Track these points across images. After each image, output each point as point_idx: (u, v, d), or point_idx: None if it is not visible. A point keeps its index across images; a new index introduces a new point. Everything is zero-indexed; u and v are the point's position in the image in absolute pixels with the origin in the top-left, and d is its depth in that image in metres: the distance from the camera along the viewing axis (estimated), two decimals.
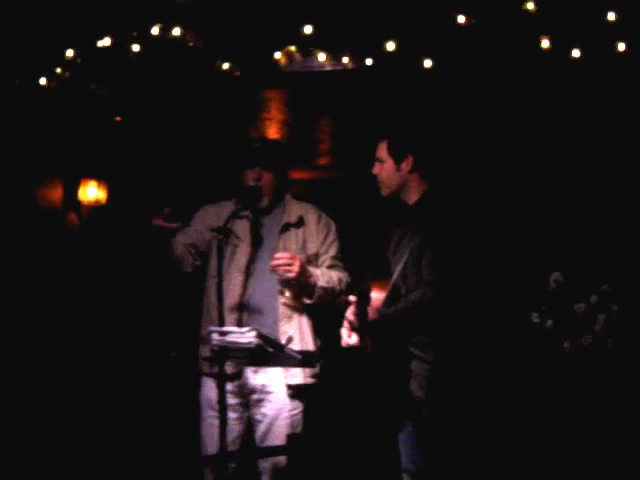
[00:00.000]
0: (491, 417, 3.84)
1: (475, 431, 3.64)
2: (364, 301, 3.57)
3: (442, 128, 4.89)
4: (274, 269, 3.95)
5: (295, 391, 4.05)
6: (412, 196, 3.77)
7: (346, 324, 3.72)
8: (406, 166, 3.74)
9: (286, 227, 4.14)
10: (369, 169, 3.91)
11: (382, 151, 3.80)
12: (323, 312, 4.09)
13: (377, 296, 3.70)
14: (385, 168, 3.79)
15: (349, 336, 3.73)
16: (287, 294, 4.02)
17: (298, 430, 4.06)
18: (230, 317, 3.97)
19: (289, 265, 3.91)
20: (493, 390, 3.79)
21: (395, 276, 3.68)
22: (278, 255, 3.96)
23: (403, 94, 5.34)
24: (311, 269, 4.03)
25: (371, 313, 3.59)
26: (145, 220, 3.98)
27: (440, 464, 3.60)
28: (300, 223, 4.16)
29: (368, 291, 3.61)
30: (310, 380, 4.06)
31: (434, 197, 3.75)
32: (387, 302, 3.67)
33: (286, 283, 3.99)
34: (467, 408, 3.60)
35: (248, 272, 4.06)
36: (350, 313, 3.68)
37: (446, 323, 3.58)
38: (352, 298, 3.67)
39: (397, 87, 5.31)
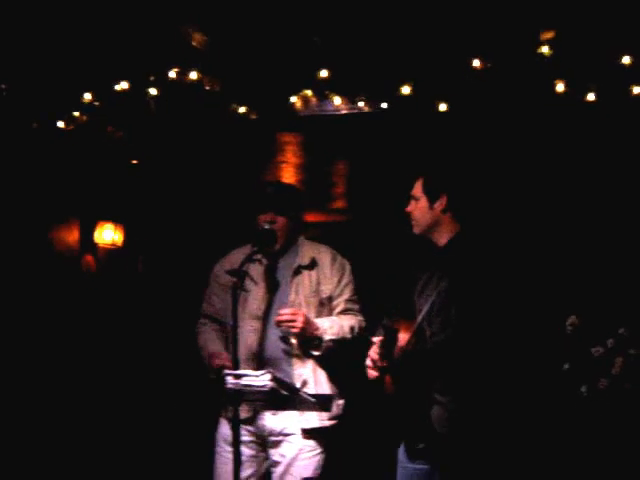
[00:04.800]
0: (509, 462, 3.79)
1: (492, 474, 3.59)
2: (391, 340, 3.55)
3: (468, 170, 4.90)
4: (278, 324, 3.95)
5: (312, 434, 4.01)
6: (443, 237, 3.74)
7: (369, 362, 3.69)
8: (439, 205, 3.72)
9: (298, 270, 4.12)
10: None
11: (417, 189, 3.77)
12: (340, 354, 4.06)
13: (401, 337, 3.67)
14: (419, 206, 3.76)
15: (372, 375, 3.69)
16: (293, 342, 4.01)
17: (317, 472, 4.00)
18: (246, 361, 3.95)
19: (292, 321, 3.92)
20: (511, 435, 3.73)
21: (420, 318, 3.65)
22: (282, 311, 3.95)
23: (418, 137, 5.36)
24: (318, 322, 4.02)
25: (396, 352, 3.56)
26: None
27: None
28: (313, 265, 4.14)
29: (396, 331, 3.58)
30: (327, 423, 4.02)
31: (465, 240, 3.73)
32: (411, 344, 3.64)
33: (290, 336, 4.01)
34: (487, 453, 3.54)
35: (261, 316, 4.05)
36: (373, 352, 3.65)
37: (468, 369, 3.54)
38: (375, 339, 3.64)
39: (412, 130, 5.33)
